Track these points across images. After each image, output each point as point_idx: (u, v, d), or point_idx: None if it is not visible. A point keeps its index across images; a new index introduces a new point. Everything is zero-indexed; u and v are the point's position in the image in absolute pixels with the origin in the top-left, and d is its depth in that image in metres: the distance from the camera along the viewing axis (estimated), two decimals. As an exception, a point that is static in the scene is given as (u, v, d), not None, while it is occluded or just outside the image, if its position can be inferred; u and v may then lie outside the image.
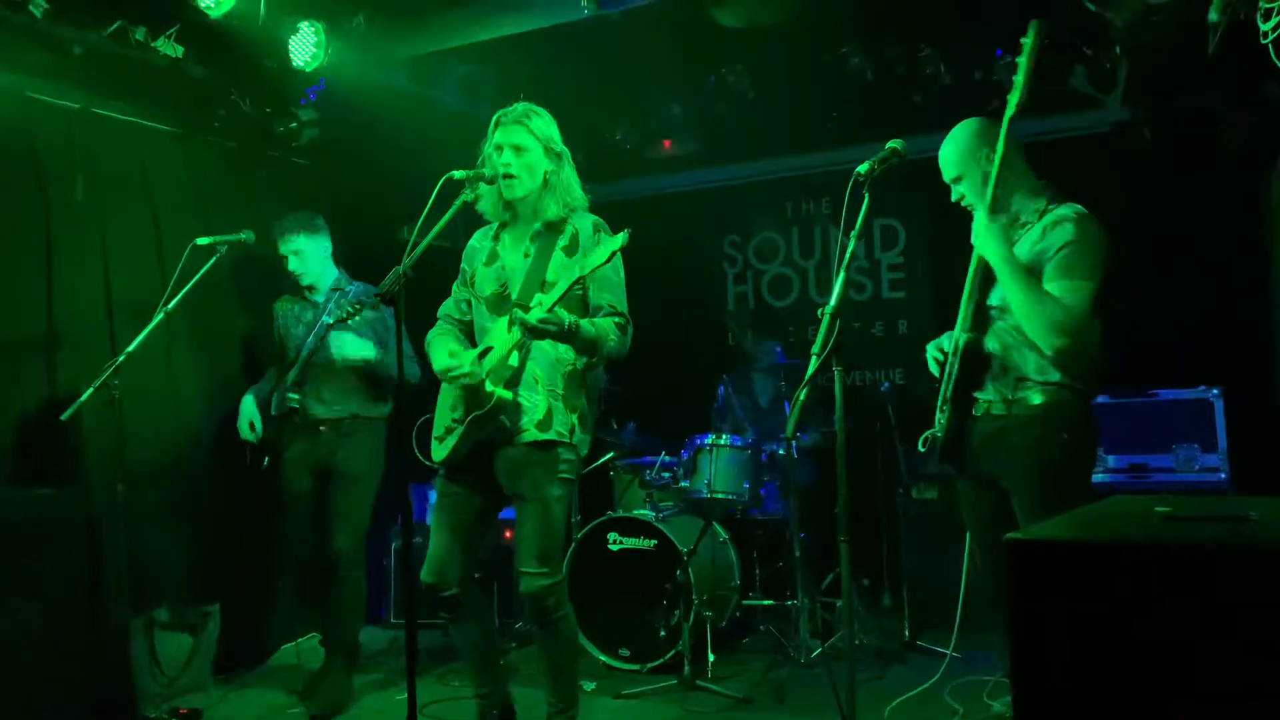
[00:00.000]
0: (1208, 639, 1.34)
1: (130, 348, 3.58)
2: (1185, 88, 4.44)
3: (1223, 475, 4.32)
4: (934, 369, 2.95)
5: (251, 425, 4.06)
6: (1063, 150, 5.00)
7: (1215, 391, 4.36)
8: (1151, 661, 1.37)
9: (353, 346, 3.87)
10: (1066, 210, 2.79)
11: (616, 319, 2.94)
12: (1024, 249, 2.78)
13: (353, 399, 4.02)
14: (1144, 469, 4.44)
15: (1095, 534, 1.57)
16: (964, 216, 2.94)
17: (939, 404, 2.90)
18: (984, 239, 2.77)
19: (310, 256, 4.06)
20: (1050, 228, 2.77)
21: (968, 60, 4.71)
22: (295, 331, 4.12)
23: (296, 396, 4.00)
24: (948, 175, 2.93)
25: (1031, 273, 2.72)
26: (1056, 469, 2.73)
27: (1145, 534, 1.52)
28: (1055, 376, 2.74)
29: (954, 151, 2.90)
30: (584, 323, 2.84)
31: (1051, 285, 2.70)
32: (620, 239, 2.71)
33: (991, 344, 2.83)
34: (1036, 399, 2.76)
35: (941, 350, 2.93)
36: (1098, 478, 4.44)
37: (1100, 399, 4.48)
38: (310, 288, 4.12)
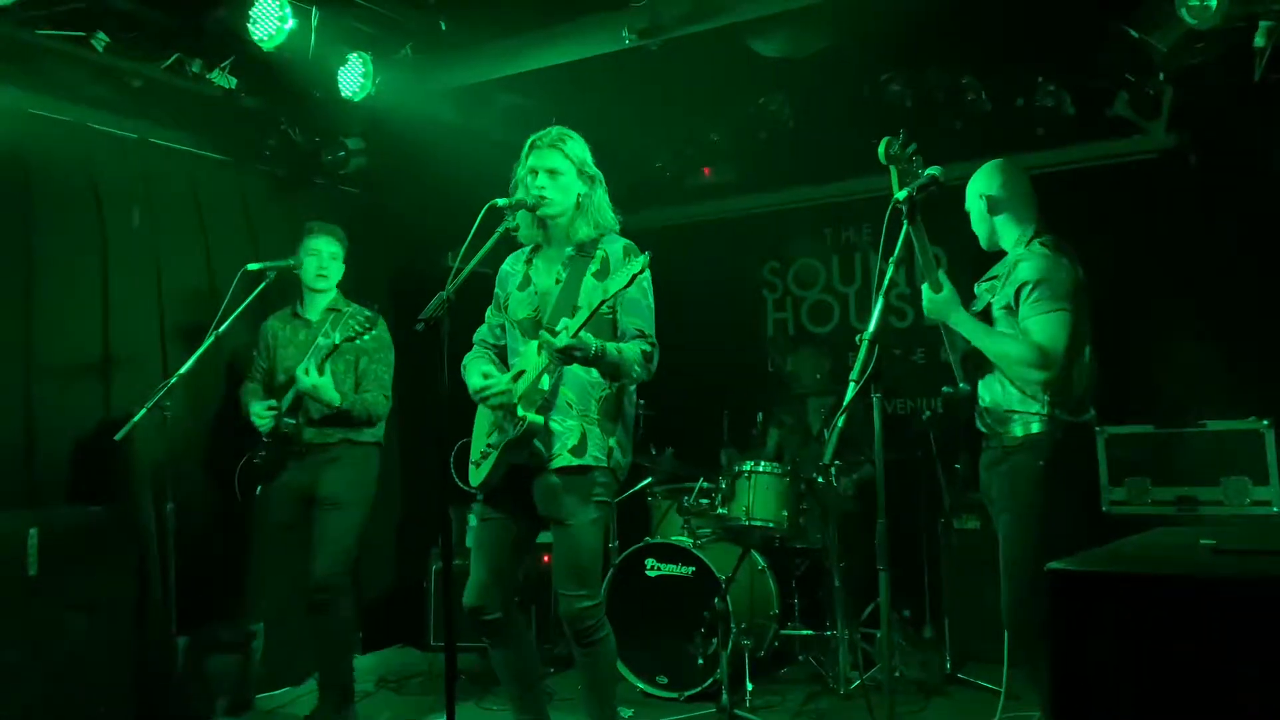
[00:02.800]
0: (1253, 673, 1.31)
1: (182, 370, 3.68)
2: (1230, 114, 4.39)
3: (1275, 508, 4.21)
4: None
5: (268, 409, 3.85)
6: (1107, 177, 4.94)
7: (1266, 422, 4.26)
8: (1195, 696, 1.34)
9: (326, 389, 3.72)
10: (1035, 246, 2.95)
11: (644, 345, 2.93)
12: (1007, 292, 2.92)
13: (342, 422, 3.85)
14: (1192, 501, 4.34)
15: (1138, 566, 1.55)
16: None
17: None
18: (939, 312, 2.93)
19: (338, 268, 4.00)
20: (1015, 266, 2.92)
21: (1008, 87, 4.69)
22: (286, 352, 3.94)
23: (293, 421, 3.81)
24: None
25: (1010, 310, 2.88)
26: (1030, 498, 2.87)
27: (1190, 567, 1.50)
28: (1035, 407, 2.88)
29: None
30: (610, 347, 2.84)
31: (1027, 321, 2.83)
32: (641, 261, 2.72)
33: (984, 387, 3.00)
34: (1018, 430, 2.91)
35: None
36: (1144, 510, 4.37)
37: (1147, 429, 4.44)
38: (302, 303, 4.01)
